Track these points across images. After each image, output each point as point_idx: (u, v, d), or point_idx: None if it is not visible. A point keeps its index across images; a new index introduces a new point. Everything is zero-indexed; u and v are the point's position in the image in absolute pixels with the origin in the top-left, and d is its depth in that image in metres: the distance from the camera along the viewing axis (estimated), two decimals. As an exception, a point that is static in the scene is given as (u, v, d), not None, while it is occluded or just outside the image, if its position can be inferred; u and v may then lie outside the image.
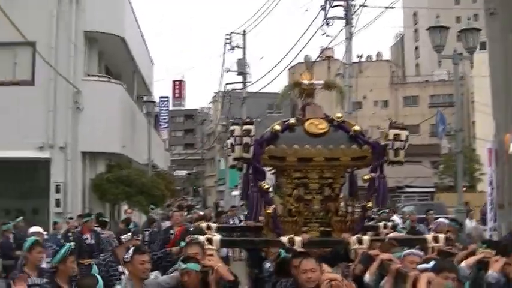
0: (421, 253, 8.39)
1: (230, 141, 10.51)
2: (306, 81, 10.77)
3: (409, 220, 16.76)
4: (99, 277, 6.41)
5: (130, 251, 7.02)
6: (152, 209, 20.86)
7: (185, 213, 20.59)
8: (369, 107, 75.87)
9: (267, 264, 9.36)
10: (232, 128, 9.93)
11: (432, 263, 7.34)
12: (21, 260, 9.38)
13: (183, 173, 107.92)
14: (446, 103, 63.92)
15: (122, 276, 8.30)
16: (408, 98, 78.65)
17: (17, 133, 21.90)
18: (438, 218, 15.78)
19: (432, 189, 54.91)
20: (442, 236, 10.42)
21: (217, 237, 9.67)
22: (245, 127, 9.64)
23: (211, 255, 8.09)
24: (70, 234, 16.08)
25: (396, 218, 19.90)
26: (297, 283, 7.30)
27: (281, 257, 8.49)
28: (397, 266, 7.05)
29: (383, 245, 9.07)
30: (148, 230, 18.84)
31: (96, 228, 15.86)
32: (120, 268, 8.50)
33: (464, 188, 48.18)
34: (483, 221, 18.56)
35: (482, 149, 35.65)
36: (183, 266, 7.12)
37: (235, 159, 10.11)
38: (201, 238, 9.34)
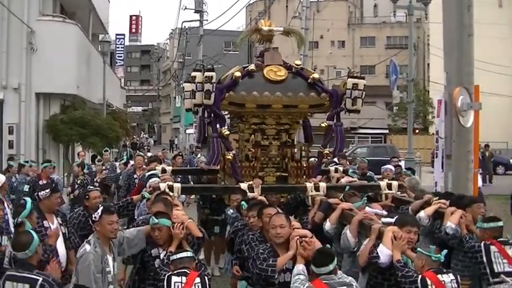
0: (385, 213, 8.54)
1: (189, 85, 10.51)
2: (265, 28, 10.72)
3: (358, 165, 16.84)
4: (34, 233, 6.37)
5: (99, 210, 6.93)
6: (105, 151, 20.67)
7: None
8: (326, 46, 75.89)
9: (230, 211, 9.48)
10: (193, 74, 9.91)
11: (395, 217, 7.59)
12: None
13: (139, 109, 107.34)
14: (402, 45, 64.27)
15: (48, 231, 8.27)
16: (365, 38, 78.77)
17: (-32, 74, 21.39)
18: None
19: (385, 131, 55.60)
20: (395, 183, 10.66)
21: (177, 184, 9.79)
22: (207, 74, 9.61)
23: (178, 209, 8.10)
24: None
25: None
26: (263, 234, 7.47)
27: (243, 208, 8.57)
28: (379, 226, 7.14)
29: (345, 194, 9.15)
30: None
31: (53, 176, 15.66)
32: (45, 223, 8.44)
33: (417, 131, 49.22)
34: (433, 163, 18.93)
35: (435, 93, 35.99)
36: (156, 221, 7.13)
37: (196, 105, 10.12)
38: (162, 186, 9.43)
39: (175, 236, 7.13)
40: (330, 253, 6.11)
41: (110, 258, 6.91)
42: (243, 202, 8.71)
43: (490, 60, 40.03)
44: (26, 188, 14.58)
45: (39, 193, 8.76)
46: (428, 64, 65.90)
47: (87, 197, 9.51)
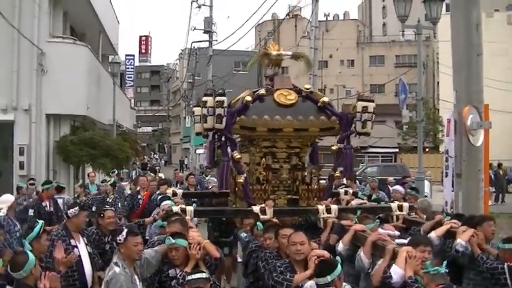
0: (397, 233, 8.51)
1: (199, 110, 10.58)
2: (274, 52, 10.81)
3: (368, 185, 16.85)
4: (30, 254, 6.38)
5: (124, 233, 6.94)
6: (113, 172, 20.72)
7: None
8: (335, 66, 76.05)
9: (243, 234, 9.48)
10: (204, 99, 9.96)
11: (408, 238, 7.65)
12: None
13: (149, 129, 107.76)
14: (411, 63, 64.24)
15: (75, 250, 8.37)
16: (374, 57, 78.92)
17: (-20, 95, 21.48)
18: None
19: (395, 150, 55.51)
20: (406, 204, 10.68)
21: (190, 207, 9.83)
22: (218, 98, 9.68)
23: (193, 231, 8.10)
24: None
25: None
26: (280, 254, 7.47)
27: (259, 229, 8.57)
28: (393, 246, 7.14)
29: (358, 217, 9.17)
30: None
31: (57, 196, 15.71)
32: (73, 242, 8.52)
33: (427, 149, 49.09)
34: (443, 182, 18.97)
35: (445, 111, 35.96)
36: (172, 241, 7.17)
37: (207, 129, 10.17)
38: (175, 208, 9.48)
39: (191, 257, 7.17)
40: (331, 264, 6.13)
41: (137, 278, 6.97)
42: (258, 223, 8.75)
43: (497, 78, 39.95)
44: (31, 212, 14.62)
45: (68, 211, 8.86)
46: (438, 82, 65.84)
47: (102, 215, 9.54)
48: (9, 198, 12.70)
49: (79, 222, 8.76)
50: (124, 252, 6.90)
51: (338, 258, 6.75)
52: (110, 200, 15.57)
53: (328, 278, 5.93)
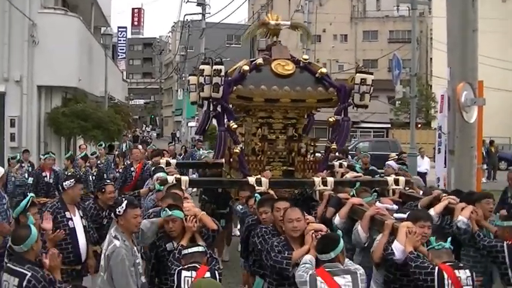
0: (395, 207, 8.41)
1: (194, 78, 10.46)
2: (272, 22, 10.67)
3: (360, 160, 16.74)
4: (33, 228, 6.24)
5: (123, 204, 6.80)
6: (100, 145, 20.56)
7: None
8: (329, 40, 75.69)
9: (239, 206, 9.36)
10: (202, 67, 9.88)
11: (408, 213, 7.52)
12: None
13: (141, 102, 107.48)
14: (405, 39, 64.06)
15: (70, 222, 8.28)
16: (367, 32, 78.50)
17: (-30, 66, 21.23)
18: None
19: (387, 126, 55.47)
20: (402, 178, 10.62)
21: (185, 177, 9.76)
22: (215, 67, 9.58)
23: (188, 201, 8.03)
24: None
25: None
26: (277, 229, 7.33)
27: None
28: (392, 221, 7.08)
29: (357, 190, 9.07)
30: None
31: (56, 168, 15.59)
32: (68, 214, 8.38)
33: (419, 125, 49.09)
34: (435, 158, 18.96)
35: (438, 87, 35.87)
36: (169, 212, 7.04)
37: (203, 98, 10.05)
38: (170, 179, 9.37)
39: (187, 229, 7.04)
40: (333, 239, 6.05)
41: (136, 250, 6.88)
42: (256, 195, 8.57)
43: (491, 55, 39.81)
44: (30, 180, 14.60)
45: (64, 183, 8.73)
46: (431, 58, 65.68)
47: (103, 190, 9.40)
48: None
49: (74, 195, 8.59)
50: (123, 225, 6.77)
51: (340, 232, 6.65)
52: (81, 173, 15.28)
53: (332, 254, 5.87)
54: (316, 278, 5.74)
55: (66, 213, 8.40)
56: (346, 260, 6.02)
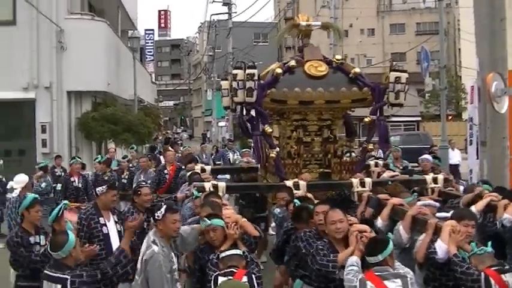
0: (438, 205, 8.26)
1: (226, 83, 10.37)
2: (303, 22, 10.55)
3: (391, 154, 16.49)
4: (71, 234, 6.28)
5: (162, 209, 6.74)
6: (131, 148, 20.58)
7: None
8: (356, 35, 75.27)
9: (277, 210, 9.20)
10: (234, 71, 9.81)
11: (451, 212, 7.36)
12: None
13: (170, 103, 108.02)
14: (432, 31, 63.52)
15: (104, 228, 8.22)
16: (394, 25, 77.99)
17: (0, 74, 21.34)
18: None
19: (418, 119, 55.07)
20: (441, 176, 10.44)
21: (222, 183, 9.68)
22: (248, 71, 9.48)
23: (227, 208, 7.94)
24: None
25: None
26: (319, 232, 7.20)
27: (297, 206, 8.28)
28: (435, 221, 6.91)
29: (390, 188, 9.01)
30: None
31: (86, 172, 15.63)
32: (101, 220, 8.32)
33: (450, 117, 48.65)
34: (467, 150, 18.73)
35: (468, 78, 35.50)
36: (208, 222, 6.93)
37: (237, 103, 9.94)
38: (207, 185, 9.27)
39: (229, 236, 6.90)
40: (382, 242, 5.93)
41: (173, 256, 6.83)
42: (296, 200, 8.44)
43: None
44: (59, 186, 14.61)
45: (97, 189, 8.71)
46: (459, 49, 65.22)
47: (138, 192, 9.34)
48: (23, 178, 12.79)
49: (107, 201, 8.53)
50: (162, 229, 6.72)
51: (390, 234, 6.58)
52: (106, 178, 15.26)
53: (380, 257, 5.75)
54: (366, 282, 5.64)
55: (100, 218, 8.35)
56: (397, 263, 5.90)
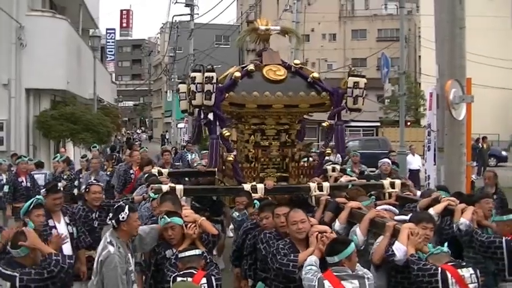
0: (397, 211, 8.37)
1: (184, 86, 10.38)
2: (262, 27, 10.59)
3: (350, 159, 16.66)
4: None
5: (126, 210, 6.67)
6: (94, 147, 20.45)
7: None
8: (317, 40, 75.57)
9: (236, 214, 9.29)
10: (193, 74, 9.73)
11: (410, 215, 7.54)
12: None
13: (130, 104, 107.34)
14: (393, 37, 64.08)
15: (53, 230, 8.11)
16: (356, 31, 78.43)
17: (-42, 70, 21.09)
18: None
19: (377, 124, 55.54)
20: (398, 181, 10.56)
21: (180, 186, 9.66)
22: (207, 74, 9.44)
23: (186, 208, 7.97)
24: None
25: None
26: (280, 233, 7.26)
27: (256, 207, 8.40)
28: (394, 223, 7.02)
29: (351, 192, 9.08)
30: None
31: (37, 172, 15.43)
32: (51, 222, 8.24)
33: (408, 123, 49.18)
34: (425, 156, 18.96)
35: (427, 85, 35.92)
36: (168, 220, 6.95)
37: (195, 106, 9.94)
38: (164, 187, 9.26)
39: (188, 236, 6.96)
40: (342, 243, 5.99)
41: (130, 257, 6.78)
42: (255, 201, 8.58)
43: (479, 52, 39.90)
44: (6, 188, 14.39)
45: (41, 191, 8.59)
46: (420, 56, 65.85)
47: (87, 190, 9.29)
48: None
49: (49, 204, 8.36)
50: (126, 230, 6.68)
51: (355, 237, 6.74)
52: (65, 177, 15.32)
53: (335, 258, 5.83)
54: (324, 281, 5.70)
55: (49, 221, 8.24)
56: (358, 264, 5.97)
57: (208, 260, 6.61)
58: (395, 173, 13.90)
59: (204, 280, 6.14)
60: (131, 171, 14.53)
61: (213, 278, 6.22)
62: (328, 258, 5.91)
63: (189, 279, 6.09)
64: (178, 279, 6.12)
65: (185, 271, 6.21)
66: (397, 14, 54.18)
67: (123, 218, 6.65)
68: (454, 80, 11.64)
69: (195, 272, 6.18)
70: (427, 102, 13.74)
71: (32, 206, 7.69)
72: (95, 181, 10.26)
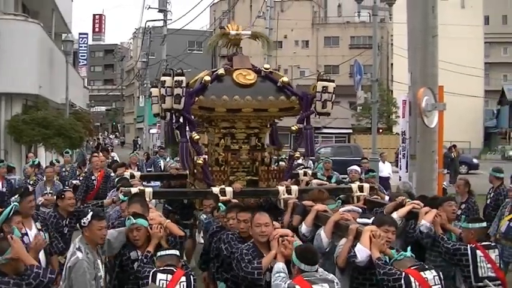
0: (360, 210, 8.50)
1: (156, 90, 10.44)
2: (232, 32, 10.69)
3: (322, 165, 16.72)
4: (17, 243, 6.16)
5: (88, 216, 6.73)
6: (66, 152, 20.35)
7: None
8: (290, 46, 75.78)
9: (203, 216, 9.32)
10: (163, 78, 9.80)
11: (372, 218, 7.64)
12: None
13: (102, 109, 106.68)
14: (366, 45, 64.54)
15: (24, 237, 7.95)
16: (329, 38, 78.78)
17: None
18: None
19: (349, 131, 55.77)
20: (366, 185, 10.70)
21: (149, 189, 9.75)
22: (176, 78, 9.52)
23: (153, 211, 7.99)
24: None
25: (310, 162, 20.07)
26: (241, 235, 7.40)
27: (221, 211, 8.49)
28: (356, 226, 7.12)
29: (312, 194, 9.12)
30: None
31: (7, 176, 15.19)
32: (22, 230, 8.03)
33: (380, 130, 49.50)
34: (397, 162, 19.01)
35: (399, 92, 36.25)
36: (133, 221, 7.02)
37: (165, 109, 10.00)
38: (134, 190, 9.32)
39: (153, 236, 7.03)
40: (315, 251, 6.18)
41: (99, 263, 6.79)
42: (220, 205, 8.65)
43: (452, 61, 40.36)
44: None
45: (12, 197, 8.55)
46: (392, 64, 66.30)
47: (62, 196, 9.29)
48: None
49: (22, 209, 8.26)
50: (88, 236, 6.71)
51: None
52: (32, 182, 14.80)
53: (316, 267, 5.97)
54: (295, 286, 5.78)
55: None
56: (320, 269, 6.06)
57: (183, 262, 6.69)
58: (371, 181, 13.57)
59: (183, 278, 6.25)
60: (93, 177, 14.37)
61: (191, 277, 6.33)
62: (306, 267, 5.91)
63: (170, 276, 6.20)
64: (159, 274, 6.21)
65: (165, 267, 6.30)
66: (370, 22, 54.41)
67: (84, 223, 6.72)
68: (426, 88, 11.74)
69: (175, 270, 6.29)
70: (401, 109, 13.86)
71: (11, 213, 7.62)
72: (67, 187, 10.27)
